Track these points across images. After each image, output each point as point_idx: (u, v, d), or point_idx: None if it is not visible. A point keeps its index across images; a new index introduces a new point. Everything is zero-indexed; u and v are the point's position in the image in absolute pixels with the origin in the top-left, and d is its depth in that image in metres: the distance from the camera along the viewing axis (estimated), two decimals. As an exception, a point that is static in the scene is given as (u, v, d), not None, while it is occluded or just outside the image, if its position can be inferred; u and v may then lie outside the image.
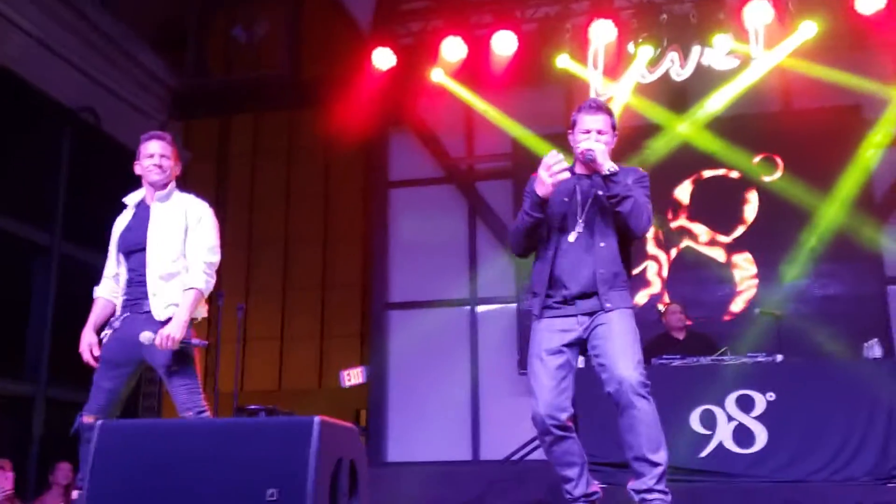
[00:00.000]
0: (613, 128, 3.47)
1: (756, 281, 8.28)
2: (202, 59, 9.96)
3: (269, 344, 12.35)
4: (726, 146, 8.41)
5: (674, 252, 8.55)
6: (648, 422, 3.20)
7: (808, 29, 7.76)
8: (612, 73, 8.28)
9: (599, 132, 3.39)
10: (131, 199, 4.01)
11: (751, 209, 8.44)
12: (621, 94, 8.35)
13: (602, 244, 3.35)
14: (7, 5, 7.27)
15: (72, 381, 8.06)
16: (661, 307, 7.61)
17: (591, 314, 3.35)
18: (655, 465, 3.17)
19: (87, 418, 3.76)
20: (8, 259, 7.64)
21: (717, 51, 7.90)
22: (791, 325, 7.27)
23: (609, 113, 3.49)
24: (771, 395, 5.91)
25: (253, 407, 6.49)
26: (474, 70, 8.58)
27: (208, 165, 12.48)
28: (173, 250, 3.81)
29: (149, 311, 3.74)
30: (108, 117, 8.50)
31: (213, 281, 3.85)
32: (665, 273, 8.52)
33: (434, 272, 9.14)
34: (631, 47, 8.14)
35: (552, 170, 3.25)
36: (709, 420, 5.95)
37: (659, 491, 3.18)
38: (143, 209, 3.94)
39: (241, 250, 12.57)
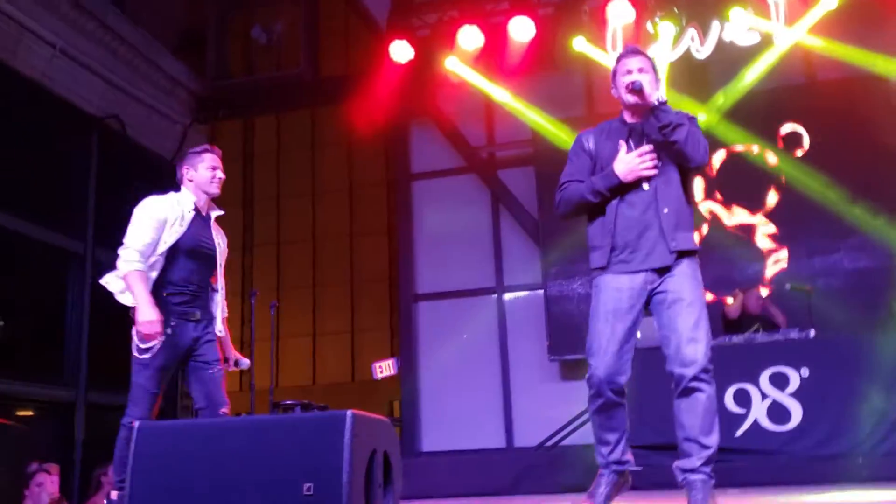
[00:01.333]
0: (655, 70, 3.42)
1: (786, 256, 8.21)
2: (223, 61, 10.03)
3: (302, 340, 12.45)
4: (751, 121, 8.34)
5: (702, 231, 8.50)
6: (707, 406, 3.19)
7: (830, 1, 7.66)
8: (631, 53, 8.22)
9: (640, 70, 3.35)
10: (188, 202, 3.93)
11: (778, 184, 8.36)
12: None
13: (664, 184, 3.28)
14: (32, 19, 7.38)
15: (110, 384, 8.22)
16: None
17: (658, 271, 3.26)
18: (705, 447, 3.18)
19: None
20: (43, 268, 7.78)
21: (737, 26, 7.81)
22: (823, 300, 7.21)
23: (648, 56, 3.44)
24: (805, 371, 5.88)
25: (288, 402, 6.58)
26: (492, 58, 8.57)
27: (234, 165, 12.57)
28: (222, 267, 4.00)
29: (198, 321, 3.81)
30: (133, 123, 8.61)
31: None
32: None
33: (460, 262, 9.17)
34: (649, 26, 8.07)
35: (646, 161, 3.26)
36: (743, 398, 5.94)
37: (704, 472, 3.18)
38: (201, 217, 3.96)
39: (270, 248, 12.68)
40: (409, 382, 9.06)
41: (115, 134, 8.44)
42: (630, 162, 3.27)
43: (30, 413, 7.73)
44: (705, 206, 8.53)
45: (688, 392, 3.18)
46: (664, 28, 8.01)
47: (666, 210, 3.24)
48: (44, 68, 7.62)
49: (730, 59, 8.22)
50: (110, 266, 8.84)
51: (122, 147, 8.57)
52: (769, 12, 7.87)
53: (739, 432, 5.89)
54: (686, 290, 3.23)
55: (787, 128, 8.38)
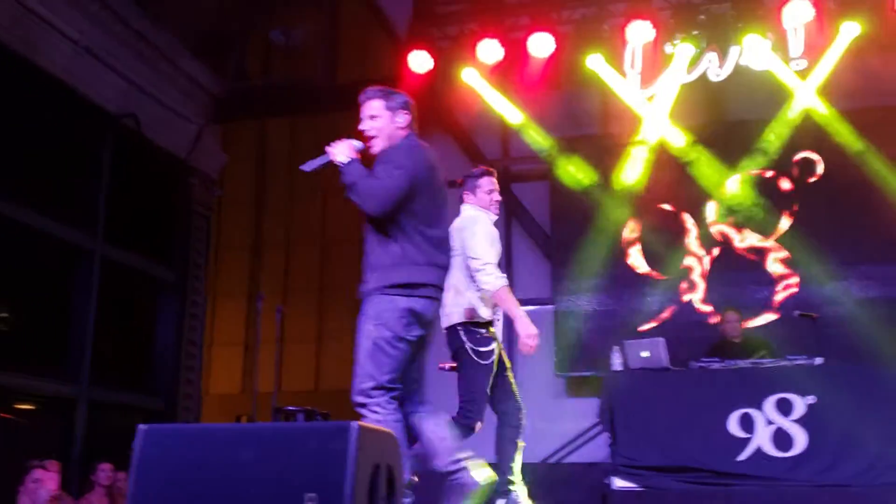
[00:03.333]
0: (388, 107, 3.51)
1: (796, 282, 8.19)
2: (241, 63, 10.06)
3: (307, 345, 12.45)
4: (765, 146, 8.34)
5: (713, 253, 8.49)
6: None
7: (851, 30, 7.63)
8: (649, 73, 8.23)
9: (371, 118, 3.49)
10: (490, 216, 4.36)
11: (790, 210, 8.35)
12: (660, 95, 8.30)
13: (366, 233, 3.45)
14: (53, 13, 7.41)
15: (113, 382, 8.24)
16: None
17: None
18: None
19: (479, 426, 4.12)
20: (51, 262, 7.81)
21: (756, 51, 7.80)
22: (831, 328, 7.19)
23: (375, 95, 3.53)
24: (810, 399, 5.86)
25: (291, 408, 6.57)
26: (510, 72, 8.57)
27: (246, 167, 12.61)
28: None
29: None
30: (149, 122, 8.63)
31: None
32: (705, 275, 8.46)
33: (470, 274, 9.14)
34: (668, 48, 8.07)
35: None
36: (747, 423, 5.92)
37: None
38: None
39: (278, 251, 12.69)
40: (413, 392, 9.03)
41: (131, 132, 8.47)
42: None
43: (30, 407, 7.74)
44: (716, 229, 8.52)
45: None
46: (683, 50, 8.00)
47: (366, 260, 3.42)
48: (63, 63, 7.65)
49: (747, 83, 8.21)
50: (119, 263, 8.87)
51: (136, 145, 8.60)
52: (787, 38, 7.82)
53: (742, 457, 5.86)
54: (358, 332, 3.38)
55: (801, 154, 8.37)
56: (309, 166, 3.51)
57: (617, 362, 6.32)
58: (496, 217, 4.37)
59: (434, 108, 9.13)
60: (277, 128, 12.81)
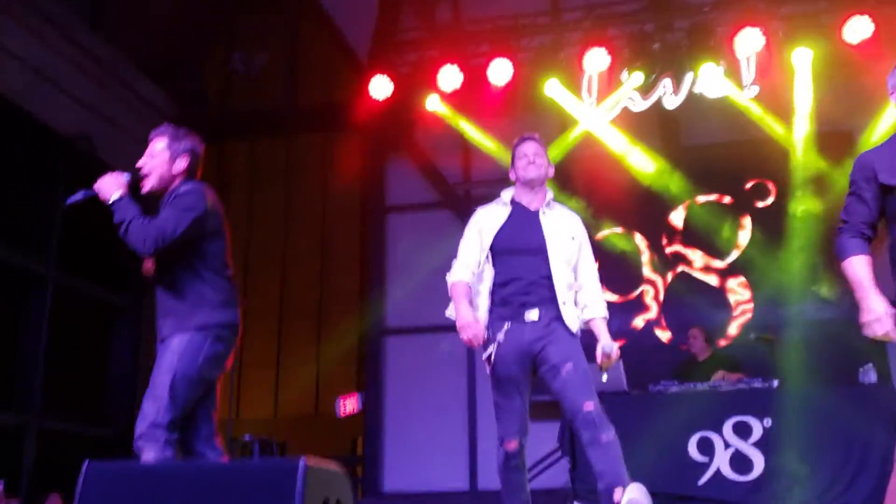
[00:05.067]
0: (170, 147, 3.54)
1: (751, 306, 8.28)
2: (200, 88, 10.00)
3: (265, 370, 12.30)
4: (718, 172, 8.46)
5: (669, 277, 8.56)
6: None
7: (803, 56, 7.76)
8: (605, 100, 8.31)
9: (150, 156, 3.53)
10: (505, 199, 3.94)
11: (745, 234, 8.46)
12: (607, 119, 8.39)
13: (158, 274, 3.47)
14: (3, 35, 7.30)
15: (65, 411, 8.05)
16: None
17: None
18: None
19: (512, 444, 3.64)
20: (2, 287, 7.64)
21: (709, 79, 7.90)
22: (787, 350, 7.26)
23: (164, 134, 3.57)
24: (767, 421, 5.90)
25: (247, 438, 6.49)
26: (470, 98, 8.59)
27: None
28: (571, 262, 3.80)
29: (536, 321, 3.65)
30: (104, 146, 8.51)
31: None
32: (661, 298, 8.52)
33: (431, 297, 9.02)
34: (624, 75, 8.16)
35: None
36: (706, 447, 5.95)
37: None
38: (522, 211, 3.87)
39: (237, 275, 12.56)
40: (372, 419, 8.96)
41: (85, 155, 8.34)
42: None
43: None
44: (671, 252, 8.60)
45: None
46: (637, 77, 8.09)
47: (159, 298, 3.46)
48: (14, 85, 7.52)
49: (700, 109, 8.31)
50: (72, 289, 8.71)
51: (92, 168, 8.46)
52: (740, 66, 7.91)
53: (702, 481, 5.89)
54: (162, 359, 3.33)
55: (754, 180, 8.50)
56: (73, 199, 3.50)
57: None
58: (534, 176, 3.86)
59: (395, 133, 9.15)
60: (237, 152, 12.73)
